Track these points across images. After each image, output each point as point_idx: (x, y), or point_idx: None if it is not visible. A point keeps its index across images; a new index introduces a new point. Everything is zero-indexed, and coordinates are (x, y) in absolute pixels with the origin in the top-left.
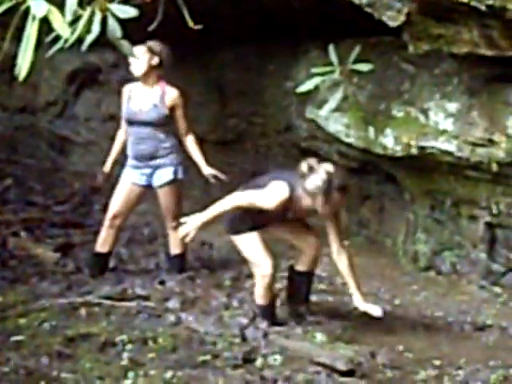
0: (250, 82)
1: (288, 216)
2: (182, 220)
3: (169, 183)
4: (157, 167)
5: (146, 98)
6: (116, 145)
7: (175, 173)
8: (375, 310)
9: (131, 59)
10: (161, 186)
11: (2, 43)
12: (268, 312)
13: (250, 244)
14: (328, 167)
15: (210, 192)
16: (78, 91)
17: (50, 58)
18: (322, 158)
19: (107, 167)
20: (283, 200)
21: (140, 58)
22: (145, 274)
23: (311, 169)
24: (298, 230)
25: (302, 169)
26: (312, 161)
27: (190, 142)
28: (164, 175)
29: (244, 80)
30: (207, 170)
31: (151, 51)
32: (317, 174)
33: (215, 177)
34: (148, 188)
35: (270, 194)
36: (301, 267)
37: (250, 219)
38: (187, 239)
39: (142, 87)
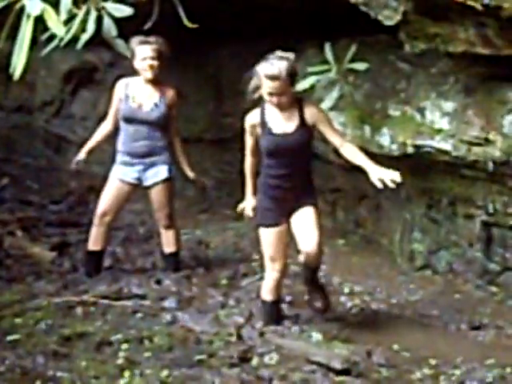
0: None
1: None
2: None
3: (163, 181)
4: (151, 165)
5: (146, 95)
6: (97, 135)
7: (170, 171)
8: (393, 174)
9: (144, 63)
10: (155, 184)
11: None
12: (272, 309)
13: (267, 238)
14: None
15: (206, 191)
16: (75, 90)
17: (46, 56)
18: (319, 157)
19: (82, 155)
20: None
21: (154, 62)
22: (141, 273)
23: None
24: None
25: None
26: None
27: (178, 144)
28: (159, 173)
29: (240, 78)
30: (192, 175)
31: (161, 53)
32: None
33: (200, 182)
34: (137, 186)
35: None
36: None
37: (274, 210)
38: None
39: (141, 84)
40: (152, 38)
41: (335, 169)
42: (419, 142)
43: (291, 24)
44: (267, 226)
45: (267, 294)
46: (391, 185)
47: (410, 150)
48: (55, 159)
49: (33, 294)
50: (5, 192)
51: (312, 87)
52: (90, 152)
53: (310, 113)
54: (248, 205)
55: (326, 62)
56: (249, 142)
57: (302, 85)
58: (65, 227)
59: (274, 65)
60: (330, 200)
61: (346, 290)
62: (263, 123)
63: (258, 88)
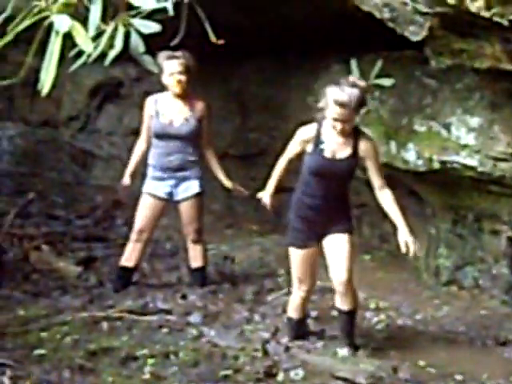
0: (271, 96)
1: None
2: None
3: (194, 196)
4: (182, 179)
5: (176, 111)
6: (135, 156)
7: (201, 185)
8: (415, 246)
9: (172, 78)
10: (186, 199)
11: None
12: (298, 326)
13: (295, 259)
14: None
15: (232, 206)
16: (101, 105)
17: (72, 72)
18: None
19: (126, 180)
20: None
21: (182, 77)
22: (167, 287)
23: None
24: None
25: None
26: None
27: (212, 155)
28: (190, 188)
29: (265, 94)
30: (230, 184)
31: (189, 68)
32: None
33: (237, 191)
34: (168, 201)
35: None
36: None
37: (304, 231)
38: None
39: (170, 99)
40: (179, 53)
41: (361, 184)
42: (445, 158)
43: (316, 39)
44: (296, 246)
45: (293, 312)
46: (412, 253)
47: (436, 165)
48: (81, 174)
49: (59, 309)
50: (31, 207)
51: None
52: (132, 175)
53: (364, 146)
54: (266, 196)
55: None
56: (292, 151)
57: None
58: (91, 242)
59: (345, 91)
60: (356, 215)
61: (372, 306)
62: (317, 142)
63: (323, 109)
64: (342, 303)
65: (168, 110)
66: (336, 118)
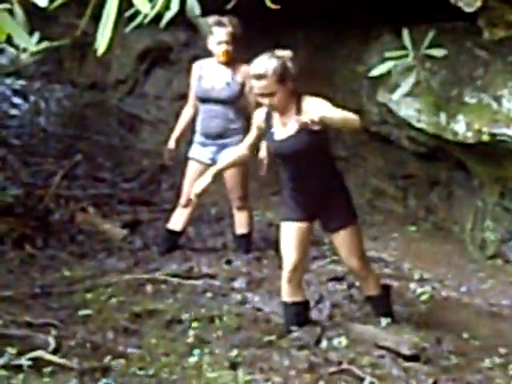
0: (320, 65)
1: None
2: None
3: None
4: (223, 146)
5: (218, 75)
6: (181, 121)
7: None
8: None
9: (219, 48)
10: None
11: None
12: (290, 312)
13: (284, 233)
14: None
15: (278, 173)
16: (149, 69)
17: (121, 36)
18: (392, 143)
19: (172, 144)
20: None
21: (228, 47)
22: (211, 253)
23: None
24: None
25: None
26: None
27: None
28: None
29: (314, 62)
30: (262, 155)
31: (235, 36)
32: None
33: (260, 164)
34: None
35: None
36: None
37: (295, 207)
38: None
39: (214, 64)
40: (226, 19)
41: (407, 155)
42: (495, 130)
43: (367, 9)
44: (286, 220)
45: (284, 295)
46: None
47: (486, 137)
48: (128, 138)
49: (104, 271)
50: (77, 169)
51: (389, 72)
52: (178, 140)
53: (309, 110)
54: None
55: (402, 47)
56: (251, 136)
57: (379, 70)
58: (136, 205)
59: (260, 63)
60: (402, 186)
61: (416, 277)
62: (267, 127)
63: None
64: (367, 289)
65: (211, 74)
66: (258, 92)
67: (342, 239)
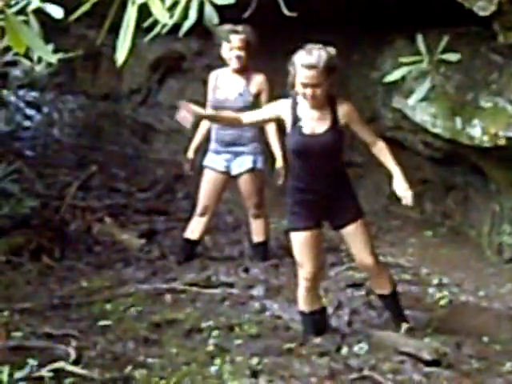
0: None
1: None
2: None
3: (247, 171)
4: (237, 154)
5: (232, 85)
6: (200, 131)
7: (254, 162)
8: (409, 198)
9: (231, 54)
10: (240, 174)
11: (88, 32)
12: (309, 321)
13: (296, 243)
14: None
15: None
16: (162, 79)
17: (134, 45)
18: (407, 148)
19: (190, 154)
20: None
21: (241, 53)
22: (229, 261)
23: None
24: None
25: None
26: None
27: (271, 130)
28: (244, 163)
29: None
30: (279, 164)
31: (249, 43)
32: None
33: (277, 175)
34: (228, 175)
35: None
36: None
37: (302, 214)
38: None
39: (229, 74)
40: (240, 27)
41: (423, 160)
42: (511, 134)
43: (381, 15)
44: (295, 230)
45: (303, 305)
46: (409, 201)
47: (502, 141)
48: (142, 147)
49: (122, 281)
50: (92, 179)
51: (403, 78)
52: (197, 150)
53: (343, 111)
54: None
55: (417, 52)
56: (265, 114)
57: (394, 75)
58: (152, 215)
59: (313, 54)
60: (418, 191)
61: (435, 282)
62: (294, 120)
63: (293, 86)
64: (380, 288)
65: (226, 84)
66: (305, 82)
67: (353, 233)
